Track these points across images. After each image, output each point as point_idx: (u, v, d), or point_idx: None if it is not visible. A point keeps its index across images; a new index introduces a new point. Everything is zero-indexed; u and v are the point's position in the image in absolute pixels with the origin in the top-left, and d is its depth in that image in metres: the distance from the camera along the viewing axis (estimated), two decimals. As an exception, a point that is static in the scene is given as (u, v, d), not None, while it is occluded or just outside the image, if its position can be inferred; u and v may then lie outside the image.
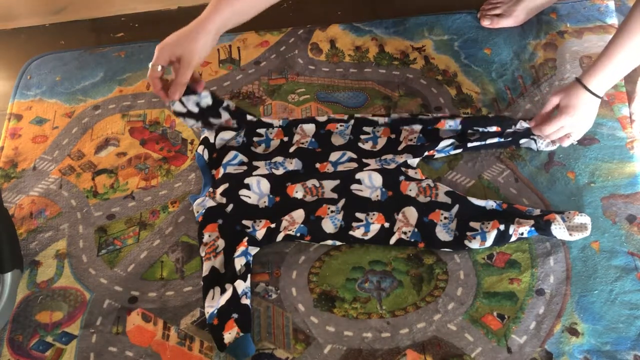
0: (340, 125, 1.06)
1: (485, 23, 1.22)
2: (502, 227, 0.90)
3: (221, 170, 1.03)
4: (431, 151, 1.02)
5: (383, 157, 1.03)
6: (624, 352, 0.82)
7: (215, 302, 0.89)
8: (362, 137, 1.06)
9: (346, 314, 0.89)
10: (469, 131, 1.02)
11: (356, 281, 0.92)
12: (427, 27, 1.24)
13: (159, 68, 0.89)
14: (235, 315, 0.87)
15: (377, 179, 0.99)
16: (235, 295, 0.89)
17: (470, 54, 1.19)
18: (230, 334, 0.86)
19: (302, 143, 1.02)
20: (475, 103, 1.11)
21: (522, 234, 0.90)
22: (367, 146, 1.05)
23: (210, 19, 0.87)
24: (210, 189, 1.02)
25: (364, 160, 1.03)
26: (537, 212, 0.93)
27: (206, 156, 1.06)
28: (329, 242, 0.95)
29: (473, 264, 0.92)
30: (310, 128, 1.05)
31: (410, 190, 0.98)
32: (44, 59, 1.31)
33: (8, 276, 0.94)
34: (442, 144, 1.01)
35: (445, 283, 0.91)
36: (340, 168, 1.02)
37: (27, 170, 1.12)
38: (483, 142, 1.02)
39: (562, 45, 1.18)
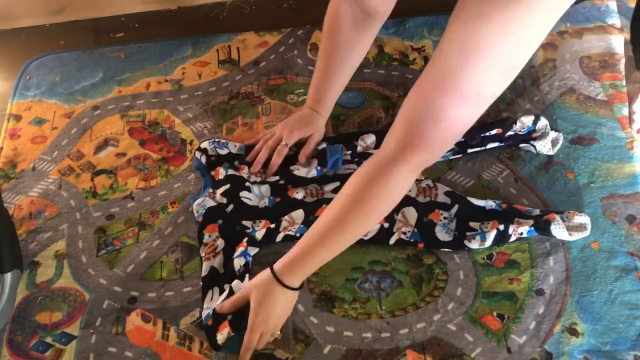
0: None
1: (485, 23, 1.22)
2: (501, 227, 0.90)
3: (222, 172, 1.03)
4: None
5: None
6: (624, 352, 0.82)
7: (214, 303, 0.89)
8: None
9: (346, 314, 0.89)
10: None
11: (356, 281, 0.92)
12: (427, 27, 1.24)
13: (287, 145, 1.03)
14: (229, 317, 0.87)
15: None
16: (232, 296, 0.88)
17: (469, 54, 1.19)
18: (222, 335, 0.85)
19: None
20: (475, 103, 1.11)
21: (521, 233, 0.90)
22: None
23: (321, 110, 1.03)
24: (210, 190, 1.01)
25: (364, 161, 1.03)
26: (536, 212, 0.93)
27: (204, 160, 1.06)
28: None
29: (473, 264, 0.92)
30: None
31: (409, 190, 0.98)
32: (44, 60, 1.31)
33: (8, 276, 0.94)
34: None
35: (445, 283, 0.91)
36: (340, 172, 1.02)
37: (27, 171, 1.12)
38: (483, 148, 1.02)
39: (562, 45, 1.18)
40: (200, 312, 0.90)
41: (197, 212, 0.99)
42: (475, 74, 0.65)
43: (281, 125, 1.05)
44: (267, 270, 0.83)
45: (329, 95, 1.02)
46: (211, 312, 0.88)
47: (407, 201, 0.96)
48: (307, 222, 0.95)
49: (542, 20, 0.64)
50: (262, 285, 0.83)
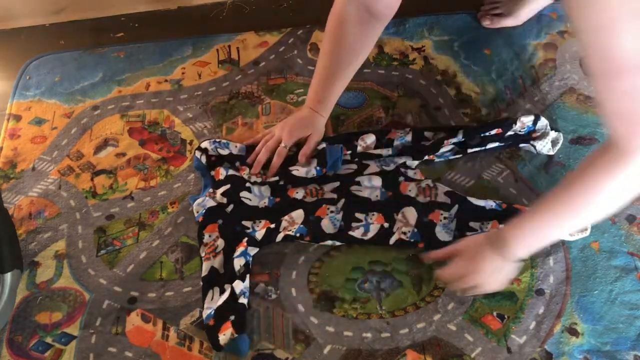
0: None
1: (485, 23, 1.22)
2: (501, 227, 0.90)
3: (222, 172, 1.03)
4: (431, 156, 1.02)
5: (382, 158, 1.03)
6: (624, 352, 0.82)
7: (214, 303, 0.89)
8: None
9: (346, 314, 0.89)
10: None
11: (356, 281, 0.92)
12: (427, 27, 1.24)
13: (285, 147, 1.03)
14: (232, 317, 0.87)
15: (377, 180, 0.99)
16: (233, 296, 0.88)
17: (470, 54, 1.19)
18: (225, 335, 0.86)
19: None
20: (475, 103, 1.11)
21: None
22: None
23: (322, 110, 1.03)
24: (211, 190, 1.01)
25: (364, 162, 1.03)
26: None
27: (204, 160, 1.06)
28: (329, 242, 0.95)
29: (473, 264, 0.92)
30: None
31: (409, 190, 0.98)
32: (43, 60, 1.31)
33: (8, 276, 0.94)
34: (442, 149, 1.01)
35: (445, 283, 0.91)
36: (340, 172, 1.03)
37: (26, 171, 1.12)
38: (483, 147, 1.02)
39: (562, 45, 1.18)
40: (201, 312, 0.90)
41: (197, 212, 0.99)
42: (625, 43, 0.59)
43: (280, 126, 1.05)
44: (485, 236, 0.82)
45: (329, 96, 1.02)
46: (212, 312, 0.88)
47: (407, 201, 0.96)
48: (307, 222, 0.95)
49: None
50: (479, 239, 0.82)
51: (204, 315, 0.89)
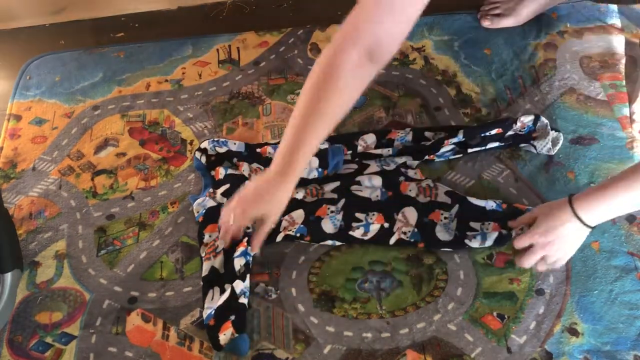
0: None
1: (486, 23, 1.22)
2: (504, 231, 0.91)
3: (221, 171, 1.03)
4: (431, 155, 1.02)
5: (382, 158, 1.03)
6: (624, 352, 0.82)
7: (215, 302, 0.89)
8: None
9: (346, 314, 0.89)
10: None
11: (356, 281, 0.92)
12: (427, 27, 1.24)
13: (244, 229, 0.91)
14: (232, 317, 0.87)
15: (377, 180, 0.99)
16: (234, 296, 0.89)
17: (470, 54, 1.19)
18: (225, 335, 0.86)
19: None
20: (475, 103, 1.11)
21: None
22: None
23: (290, 175, 0.84)
24: (211, 190, 1.01)
25: (364, 162, 1.03)
26: None
27: (204, 160, 1.06)
28: (329, 242, 0.95)
29: (473, 264, 0.92)
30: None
31: (410, 190, 0.98)
32: (44, 59, 1.31)
33: (8, 276, 0.94)
34: (443, 149, 1.01)
35: (445, 283, 0.91)
36: (341, 171, 1.03)
37: (27, 171, 1.12)
38: (483, 147, 1.02)
39: (562, 45, 1.18)
40: (201, 312, 0.90)
41: (197, 212, 0.99)
42: None
43: (236, 201, 0.88)
44: (562, 202, 0.84)
45: (301, 158, 0.83)
46: (212, 312, 0.88)
47: (407, 201, 0.97)
48: (307, 222, 0.95)
49: None
50: (554, 213, 0.84)
51: (204, 315, 0.89)
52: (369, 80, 0.84)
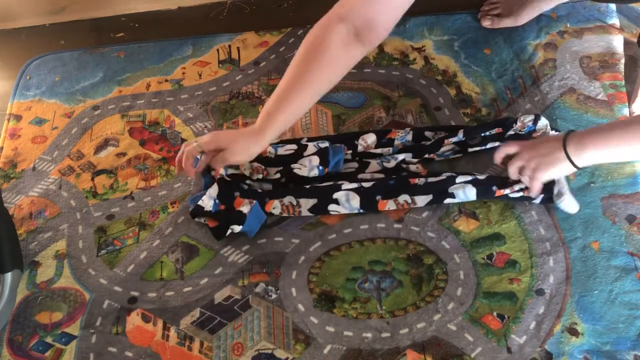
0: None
1: (486, 23, 1.22)
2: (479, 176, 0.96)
3: (221, 171, 1.02)
4: (431, 155, 1.02)
5: (383, 156, 1.03)
6: (624, 352, 0.82)
7: (209, 200, 0.92)
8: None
9: (346, 314, 0.89)
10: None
11: (356, 281, 0.92)
12: (427, 27, 1.24)
13: (200, 154, 0.94)
14: (237, 193, 0.91)
15: (355, 200, 0.97)
16: (225, 180, 0.95)
17: (470, 54, 1.19)
18: (245, 206, 0.91)
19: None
20: (475, 103, 1.11)
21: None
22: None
23: (266, 133, 0.89)
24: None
25: (364, 160, 1.03)
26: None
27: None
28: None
29: (473, 264, 0.92)
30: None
31: (388, 207, 0.98)
32: (44, 59, 1.31)
33: (8, 276, 0.94)
34: (443, 149, 1.01)
35: (445, 283, 0.91)
36: (342, 171, 1.03)
37: (27, 171, 1.12)
38: (483, 147, 1.02)
39: (562, 45, 1.18)
40: (201, 312, 0.90)
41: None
42: None
43: (216, 131, 0.98)
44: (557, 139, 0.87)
45: (280, 114, 0.87)
46: (217, 200, 0.96)
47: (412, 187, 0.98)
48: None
49: None
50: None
51: (209, 207, 0.95)
52: (356, 60, 0.89)
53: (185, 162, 0.92)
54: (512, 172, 0.92)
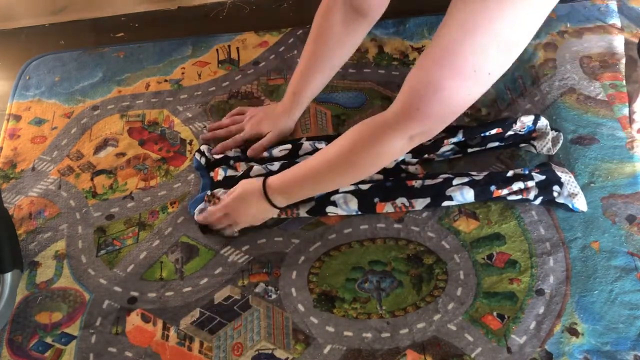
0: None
1: (485, 23, 1.22)
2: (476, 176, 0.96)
3: (221, 172, 1.03)
4: (431, 155, 1.02)
5: None
6: (624, 352, 0.82)
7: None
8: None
9: (346, 314, 0.89)
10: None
11: (356, 281, 0.92)
12: (427, 27, 1.24)
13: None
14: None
15: (353, 202, 0.97)
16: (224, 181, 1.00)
17: (469, 54, 1.19)
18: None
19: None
20: (475, 103, 1.11)
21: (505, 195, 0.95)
22: None
23: (294, 112, 1.05)
24: (209, 192, 1.01)
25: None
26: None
27: (203, 161, 1.06)
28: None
29: (473, 264, 0.92)
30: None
31: (386, 210, 0.97)
32: (43, 60, 1.31)
33: (8, 276, 0.94)
34: (442, 149, 1.01)
35: (445, 283, 0.91)
36: None
37: (26, 171, 1.12)
38: (483, 147, 1.02)
39: (562, 45, 1.18)
40: (201, 312, 0.90)
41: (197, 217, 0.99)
42: (473, 49, 0.66)
43: (249, 114, 1.09)
44: (261, 179, 0.91)
45: (305, 91, 1.02)
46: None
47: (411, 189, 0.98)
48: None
49: None
50: (252, 185, 0.92)
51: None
52: (363, 33, 0.97)
53: (229, 145, 1.06)
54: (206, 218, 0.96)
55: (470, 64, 0.67)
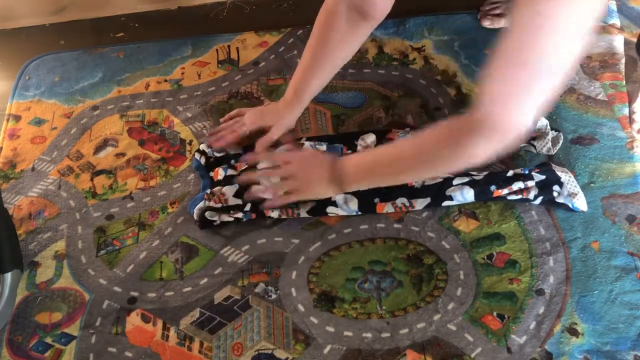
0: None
1: (486, 23, 1.22)
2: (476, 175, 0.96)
3: (221, 172, 1.03)
4: None
5: None
6: (624, 352, 0.82)
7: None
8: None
9: (346, 314, 0.89)
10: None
11: (356, 281, 0.92)
12: (427, 27, 1.24)
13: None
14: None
15: (353, 202, 0.97)
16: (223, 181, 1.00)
17: (470, 54, 1.19)
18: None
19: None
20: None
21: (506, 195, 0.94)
22: None
23: (296, 106, 1.04)
24: (209, 191, 1.01)
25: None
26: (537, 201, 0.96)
27: (203, 161, 1.06)
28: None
29: (473, 264, 0.92)
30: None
31: (386, 210, 0.97)
32: (43, 60, 1.31)
33: (8, 276, 0.94)
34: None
35: (445, 283, 0.91)
36: None
37: (26, 171, 1.12)
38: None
39: (561, 45, 1.17)
40: (201, 312, 0.90)
41: (197, 216, 0.99)
42: (543, 49, 0.66)
43: (252, 111, 1.09)
44: (330, 158, 0.90)
45: (306, 89, 1.02)
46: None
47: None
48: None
49: None
50: (324, 158, 0.91)
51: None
52: (364, 36, 0.98)
53: (230, 138, 1.06)
54: (265, 181, 0.95)
55: (546, 63, 0.67)
